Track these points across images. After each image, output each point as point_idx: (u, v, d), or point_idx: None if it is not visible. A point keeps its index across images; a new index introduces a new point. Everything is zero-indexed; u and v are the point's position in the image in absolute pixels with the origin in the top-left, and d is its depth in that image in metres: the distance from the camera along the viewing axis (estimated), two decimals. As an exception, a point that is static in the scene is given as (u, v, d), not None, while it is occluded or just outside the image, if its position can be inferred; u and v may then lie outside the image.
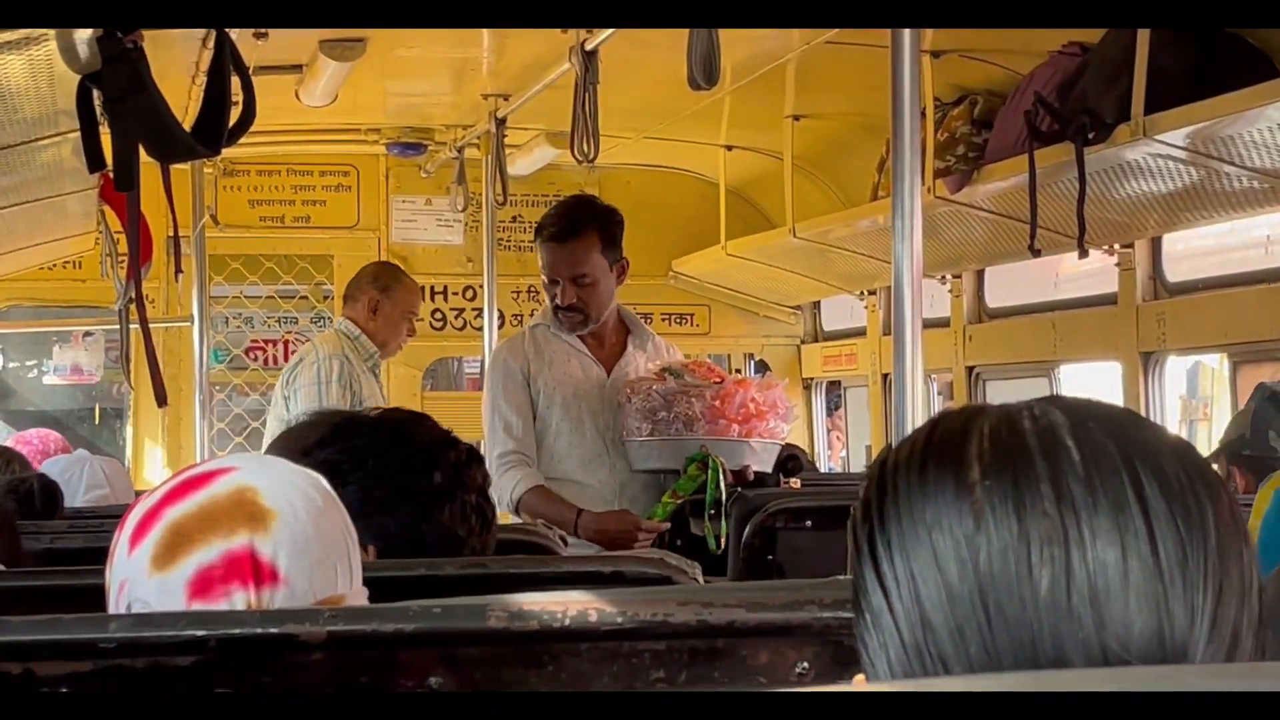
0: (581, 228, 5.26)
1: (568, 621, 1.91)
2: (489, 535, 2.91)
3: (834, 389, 9.48)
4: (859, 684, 1.21)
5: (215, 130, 3.97)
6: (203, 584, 1.94)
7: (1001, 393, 7.53)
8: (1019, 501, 1.10)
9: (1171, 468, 1.14)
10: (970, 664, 1.10)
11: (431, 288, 9.24)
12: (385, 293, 6.75)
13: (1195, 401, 11.20)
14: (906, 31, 3.24)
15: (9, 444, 7.31)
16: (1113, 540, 1.09)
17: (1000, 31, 5.89)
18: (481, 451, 3.14)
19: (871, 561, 1.18)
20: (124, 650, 1.84)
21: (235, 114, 3.96)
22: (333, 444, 2.78)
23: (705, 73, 4.51)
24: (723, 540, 5.02)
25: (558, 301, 5.32)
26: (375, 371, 6.86)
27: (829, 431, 9.64)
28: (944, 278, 7.46)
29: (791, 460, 6.37)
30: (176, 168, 4.91)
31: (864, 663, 1.21)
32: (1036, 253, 5.55)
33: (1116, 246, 6.10)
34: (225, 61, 3.90)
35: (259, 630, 1.86)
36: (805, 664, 1.96)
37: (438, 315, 9.22)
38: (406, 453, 2.77)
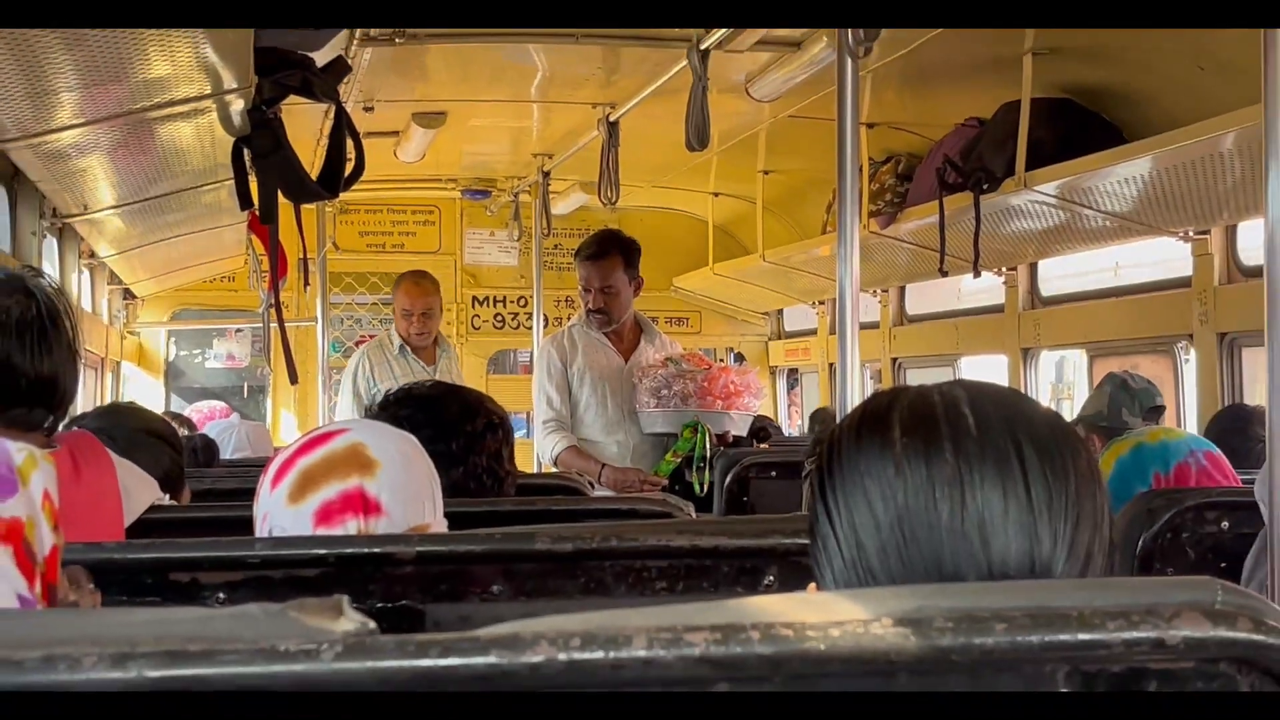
0: (609, 251, 5.23)
1: (595, 545, 1.89)
2: (501, 490, 2.82)
3: (793, 374, 9.36)
4: (811, 591, 1.22)
5: (335, 179, 3.94)
6: (325, 515, 1.93)
7: (918, 378, 7.43)
8: (927, 454, 1.13)
9: (1043, 431, 1.17)
10: (892, 576, 1.13)
11: (493, 297, 9.18)
12: (393, 296, 6.62)
13: (1061, 385, 11.12)
14: (849, 107, 3.20)
15: (185, 413, 7.33)
16: (995, 483, 1.12)
17: (918, 107, 5.85)
18: (510, 423, 3.02)
19: (821, 501, 1.20)
20: (266, 564, 1.83)
21: (349, 167, 3.92)
22: (382, 415, 2.76)
23: (699, 138, 4.49)
24: (708, 486, 4.97)
25: (589, 305, 5.28)
26: (409, 358, 6.49)
27: (789, 406, 9.53)
28: (875, 292, 7.36)
29: (763, 430, 6.32)
30: (305, 206, 4.86)
31: (816, 576, 1.22)
32: (944, 273, 5.50)
33: (1003, 269, 6.05)
34: (342, 128, 3.87)
35: (366, 550, 1.84)
36: (771, 578, 1.95)
37: (498, 317, 9.13)
38: (433, 424, 2.69)
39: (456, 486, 2.70)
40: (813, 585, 1.23)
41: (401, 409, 2.77)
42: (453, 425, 2.74)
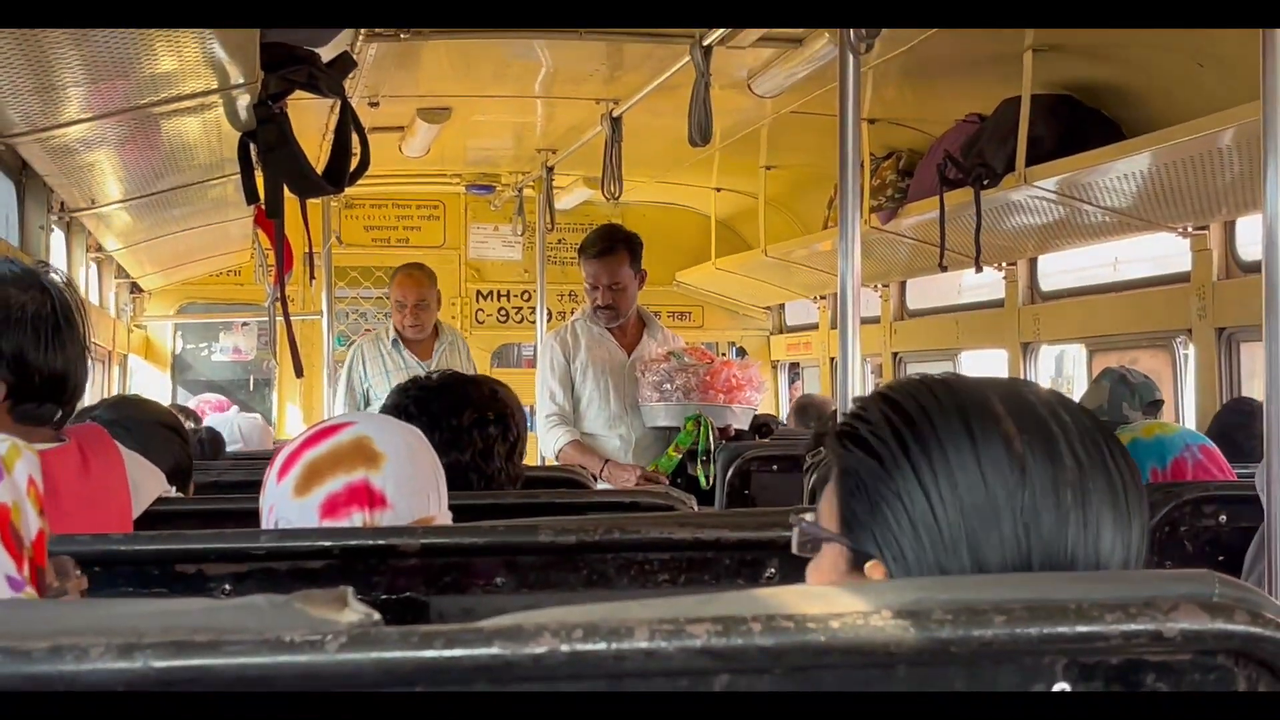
0: (615, 247, 5.23)
1: (597, 537, 1.90)
2: (494, 485, 2.81)
3: (794, 368, 9.36)
4: (871, 570, 1.21)
5: (339, 174, 3.93)
6: (330, 507, 1.93)
7: (919, 372, 7.44)
8: (1050, 455, 1.15)
9: (1111, 433, 1.21)
10: (1005, 564, 1.14)
11: (497, 291, 9.16)
12: (389, 289, 6.63)
13: (1060, 380, 11.10)
14: (851, 103, 3.20)
15: (190, 405, 7.32)
16: (1106, 488, 1.16)
17: (919, 103, 5.84)
18: (516, 418, 2.98)
19: (913, 473, 1.18)
20: (271, 556, 1.83)
21: (354, 162, 3.92)
22: (406, 393, 2.80)
23: (702, 134, 4.49)
24: (711, 479, 4.96)
25: (598, 302, 5.26)
26: (402, 352, 6.47)
27: (791, 400, 9.55)
28: (876, 286, 7.35)
29: (765, 426, 6.29)
30: (310, 201, 4.85)
31: (877, 553, 1.20)
32: (944, 268, 5.49)
33: (1004, 264, 6.03)
34: (347, 123, 3.86)
35: (371, 542, 1.85)
36: (772, 570, 1.95)
37: (502, 312, 9.11)
38: (424, 415, 2.71)
39: (454, 466, 2.67)
40: (874, 562, 1.20)
41: (404, 397, 2.81)
42: (438, 419, 2.74)
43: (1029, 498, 1.14)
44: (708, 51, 4.43)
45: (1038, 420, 1.18)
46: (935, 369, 7.50)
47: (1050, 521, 1.14)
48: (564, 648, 0.81)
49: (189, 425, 6.08)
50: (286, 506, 1.94)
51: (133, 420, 3.45)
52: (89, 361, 2.50)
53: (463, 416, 2.77)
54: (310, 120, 5.04)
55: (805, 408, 6.81)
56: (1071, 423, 1.18)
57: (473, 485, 2.71)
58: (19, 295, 2.23)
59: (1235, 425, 4.55)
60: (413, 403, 2.76)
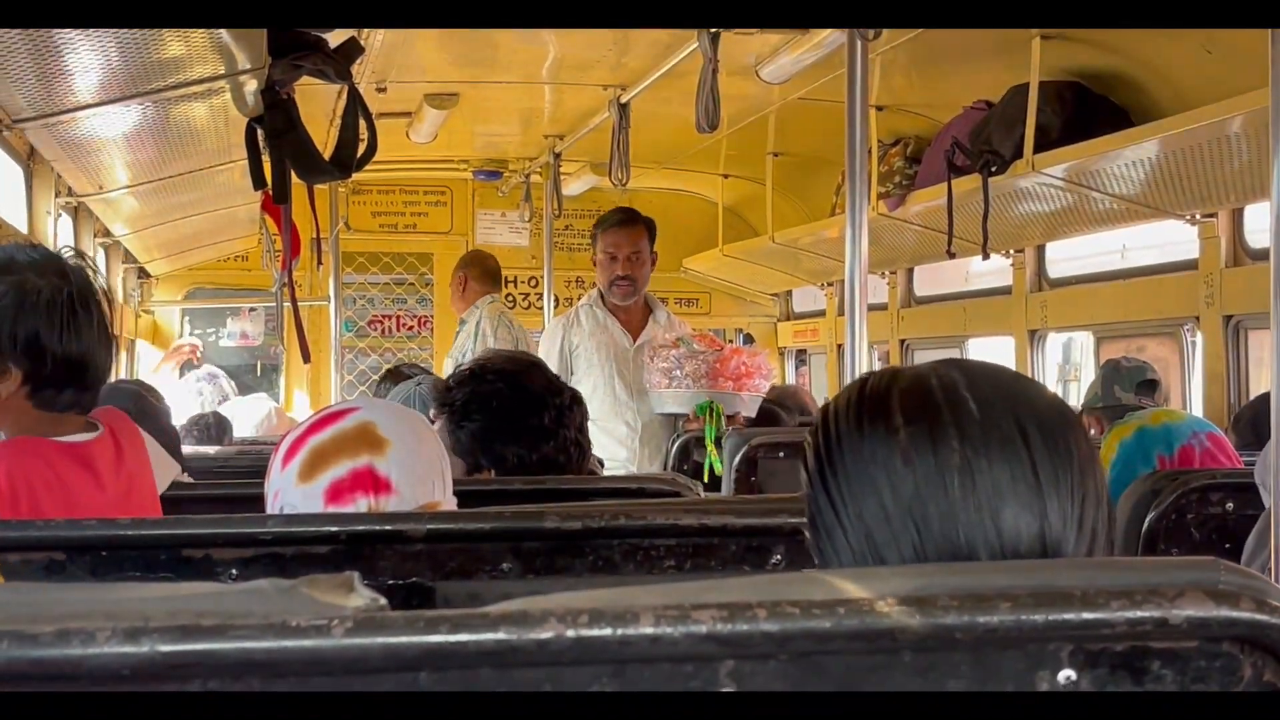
0: (637, 219, 5.32)
1: (603, 523, 1.90)
2: (585, 462, 2.88)
3: (801, 355, 9.37)
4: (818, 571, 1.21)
5: (347, 159, 3.93)
6: (335, 493, 1.94)
7: (926, 359, 7.43)
8: (933, 441, 1.14)
9: (1045, 411, 1.18)
10: (903, 561, 1.13)
11: (504, 277, 9.18)
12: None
13: (1068, 367, 11.07)
14: (859, 90, 3.20)
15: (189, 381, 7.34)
16: (1003, 466, 1.12)
17: (927, 89, 5.83)
18: (581, 397, 3.05)
19: (824, 492, 1.20)
20: (278, 541, 1.83)
21: (362, 148, 3.92)
22: (464, 387, 2.78)
23: (709, 120, 4.48)
24: (719, 467, 4.96)
25: (617, 272, 5.28)
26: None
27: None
28: (883, 273, 7.35)
29: (774, 413, 6.27)
30: (318, 186, 4.86)
31: (819, 564, 1.22)
32: (952, 255, 5.49)
33: (1011, 251, 6.03)
34: (355, 109, 3.86)
35: (376, 528, 1.85)
36: (778, 556, 1.95)
37: (509, 298, 9.06)
38: (522, 397, 2.76)
39: (547, 460, 2.76)
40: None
41: (481, 384, 2.80)
42: (540, 399, 2.77)
43: (912, 489, 1.13)
44: (715, 38, 4.43)
45: (931, 409, 1.17)
46: (943, 356, 7.53)
47: (938, 511, 1.12)
48: (569, 633, 0.81)
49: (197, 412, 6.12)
50: (292, 492, 1.95)
51: (142, 406, 3.50)
52: (113, 348, 2.50)
53: (563, 395, 2.82)
54: (318, 105, 5.04)
55: (782, 399, 6.79)
56: (976, 409, 1.16)
57: (574, 462, 2.78)
58: (35, 280, 2.23)
59: (1265, 415, 4.55)
60: (506, 389, 2.77)
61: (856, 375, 3.37)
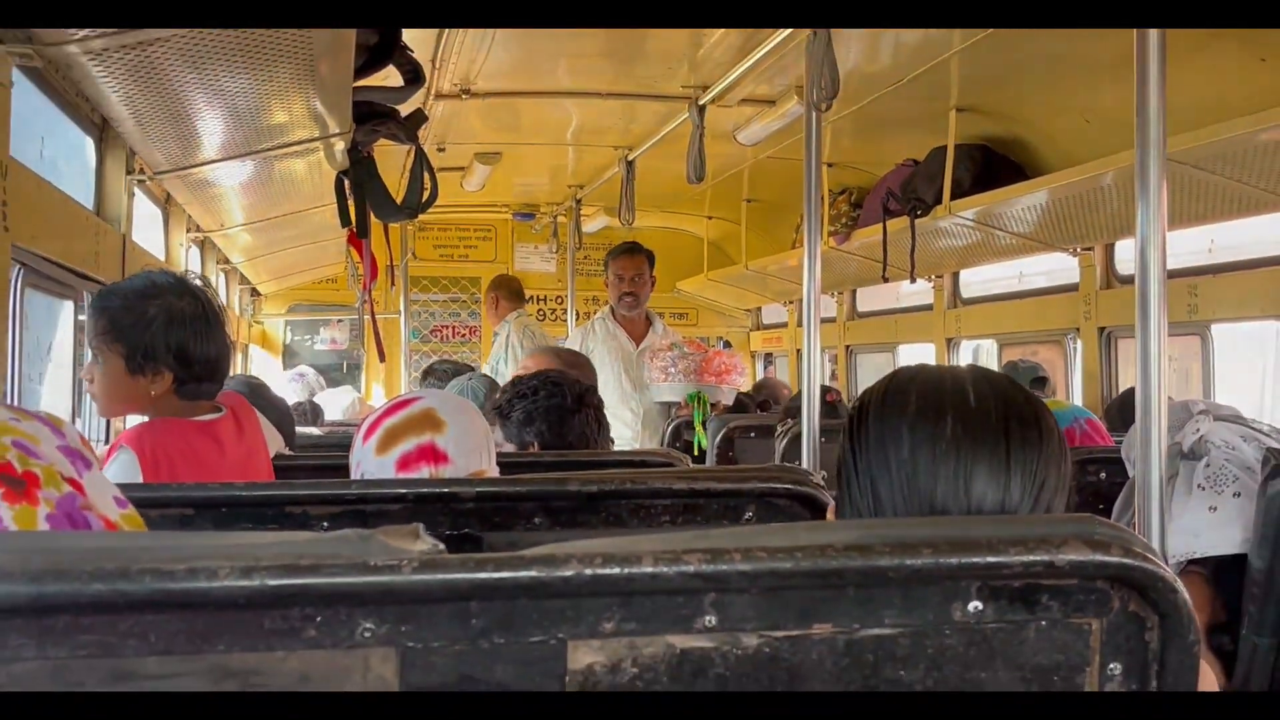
0: (639, 250, 5.34)
1: (614, 488, 1.89)
2: (606, 436, 2.97)
3: (769, 357, 9.33)
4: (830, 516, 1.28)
5: (415, 204, 3.93)
6: (404, 463, 1.94)
7: (865, 361, 7.44)
8: (935, 421, 1.16)
9: (1027, 414, 1.19)
10: (896, 513, 1.15)
11: (536, 296, 9.15)
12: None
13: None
14: (814, 150, 3.19)
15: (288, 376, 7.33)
16: (983, 449, 1.14)
17: (867, 150, 5.81)
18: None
19: (850, 450, 1.21)
20: (360, 500, 1.83)
21: (426, 195, 3.92)
22: (508, 393, 2.86)
23: (697, 174, 4.48)
24: (705, 443, 4.95)
25: (624, 289, 5.30)
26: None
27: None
28: (834, 294, 7.30)
29: (760, 400, 6.23)
30: (391, 225, 4.88)
31: (841, 513, 1.24)
32: (886, 279, 5.49)
33: (933, 276, 6.02)
34: (420, 164, 3.86)
35: (436, 490, 1.85)
36: (750, 514, 1.95)
37: (540, 312, 9.07)
38: (551, 389, 2.80)
39: (578, 432, 2.85)
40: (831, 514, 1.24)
41: (525, 384, 2.89)
42: (564, 387, 2.85)
43: (909, 453, 1.14)
44: (702, 110, 4.44)
45: (938, 395, 1.17)
46: (879, 359, 7.50)
47: (925, 473, 1.13)
48: (587, 571, 0.82)
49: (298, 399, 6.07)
50: (370, 462, 1.95)
51: (257, 392, 3.51)
52: (231, 349, 2.55)
53: (581, 384, 2.91)
54: (392, 162, 5.04)
55: (761, 388, 6.79)
56: (974, 401, 1.17)
57: (594, 432, 2.86)
58: (177, 301, 2.26)
59: (1131, 405, 4.56)
60: (540, 385, 2.85)
61: (814, 372, 3.36)
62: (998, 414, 1.17)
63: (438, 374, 4.71)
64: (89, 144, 3.76)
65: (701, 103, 4.43)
